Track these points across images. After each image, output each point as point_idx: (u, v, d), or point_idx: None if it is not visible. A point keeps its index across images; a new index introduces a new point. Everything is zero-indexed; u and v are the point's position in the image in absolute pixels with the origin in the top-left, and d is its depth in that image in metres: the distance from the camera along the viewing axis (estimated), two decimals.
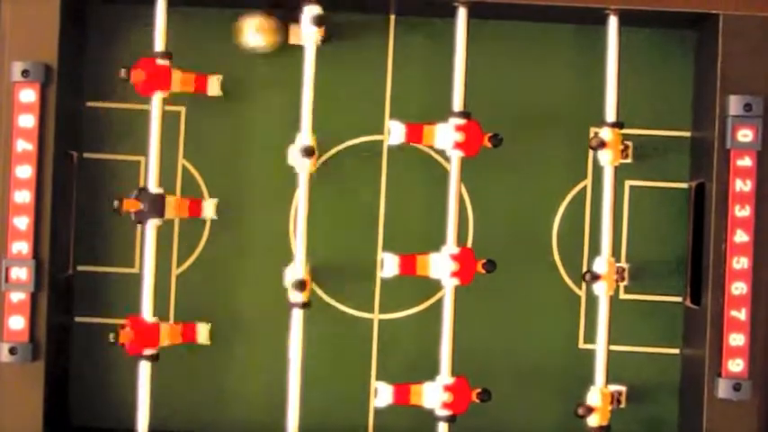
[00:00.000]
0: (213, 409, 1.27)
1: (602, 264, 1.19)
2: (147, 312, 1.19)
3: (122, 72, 1.19)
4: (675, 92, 1.26)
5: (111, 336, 1.17)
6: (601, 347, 1.19)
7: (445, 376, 1.18)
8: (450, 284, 1.19)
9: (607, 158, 1.19)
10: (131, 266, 1.27)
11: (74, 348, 1.27)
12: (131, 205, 1.18)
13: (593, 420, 1.18)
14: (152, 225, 1.19)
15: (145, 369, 1.19)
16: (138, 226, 1.24)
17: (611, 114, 1.20)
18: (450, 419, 1.18)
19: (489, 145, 1.19)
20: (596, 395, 1.18)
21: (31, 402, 1.18)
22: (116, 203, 1.18)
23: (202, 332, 1.25)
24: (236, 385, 1.27)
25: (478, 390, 1.18)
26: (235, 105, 1.27)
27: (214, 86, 1.25)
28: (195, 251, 1.27)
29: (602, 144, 1.18)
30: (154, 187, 1.20)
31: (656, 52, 1.26)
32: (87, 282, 1.27)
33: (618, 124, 1.19)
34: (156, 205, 1.19)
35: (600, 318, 1.19)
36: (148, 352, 1.19)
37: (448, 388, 1.18)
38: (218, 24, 1.27)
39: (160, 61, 1.19)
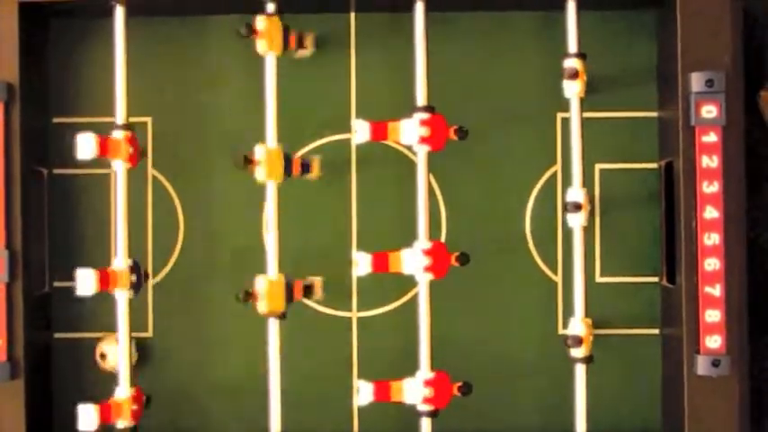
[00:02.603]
0: (195, 415, 1.26)
1: (576, 193, 1.19)
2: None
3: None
4: (640, 73, 1.26)
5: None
6: (578, 277, 1.19)
7: (425, 371, 1.18)
8: (423, 279, 1.19)
9: (575, 90, 1.19)
10: None
11: (55, 365, 1.27)
12: None
13: (579, 352, 1.18)
14: None
15: None
16: (113, 236, 1.25)
17: (573, 45, 1.19)
18: (432, 414, 1.18)
19: (455, 137, 1.18)
20: (579, 325, 1.18)
21: (13, 421, 1.18)
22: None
23: None
24: (218, 392, 1.27)
25: (459, 383, 1.18)
26: (201, 112, 1.27)
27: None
28: (170, 260, 1.27)
29: (576, 74, 1.18)
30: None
31: (618, 35, 1.26)
32: (65, 298, 1.27)
33: (581, 55, 1.19)
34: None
35: (575, 243, 1.19)
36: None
37: (428, 383, 1.18)
38: (183, 33, 1.27)
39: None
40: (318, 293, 1.24)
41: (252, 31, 1.19)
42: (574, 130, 1.19)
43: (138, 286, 1.21)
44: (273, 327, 1.19)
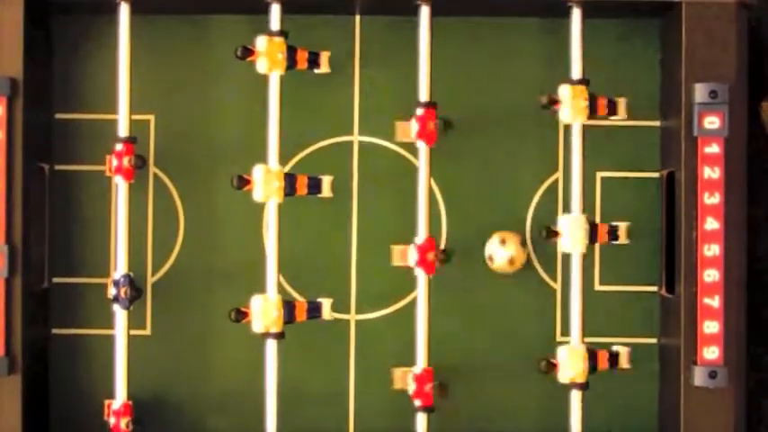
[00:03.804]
0: (192, 414, 1.27)
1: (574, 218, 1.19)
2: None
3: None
4: (643, 82, 1.26)
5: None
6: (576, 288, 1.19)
7: (419, 366, 1.19)
8: (421, 274, 1.20)
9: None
10: (107, 276, 1.26)
11: (52, 360, 1.27)
12: None
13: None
14: None
15: None
16: (113, 233, 1.25)
17: (576, 72, 1.20)
18: (422, 410, 1.18)
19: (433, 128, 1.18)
20: (565, 352, 1.19)
21: (10, 415, 1.18)
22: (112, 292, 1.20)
23: None
24: (214, 392, 1.27)
25: (435, 382, 1.18)
26: (203, 110, 1.27)
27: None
28: (170, 258, 1.27)
29: (554, 102, 1.18)
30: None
31: (622, 43, 1.26)
32: (64, 293, 1.27)
33: (585, 81, 1.19)
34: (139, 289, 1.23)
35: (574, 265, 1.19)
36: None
37: (416, 378, 1.18)
38: (188, 32, 1.27)
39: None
40: (327, 314, 1.23)
41: (249, 52, 1.18)
42: (576, 160, 1.19)
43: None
44: (271, 347, 1.19)
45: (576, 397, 1.18)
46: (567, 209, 1.23)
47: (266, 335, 1.19)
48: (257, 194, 1.19)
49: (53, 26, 1.27)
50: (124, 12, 1.21)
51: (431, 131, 1.19)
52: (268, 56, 1.19)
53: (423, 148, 1.20)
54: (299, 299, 1.26)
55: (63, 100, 1.27)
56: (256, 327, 1.18)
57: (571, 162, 1.20)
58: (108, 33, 1.24)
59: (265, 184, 1.19)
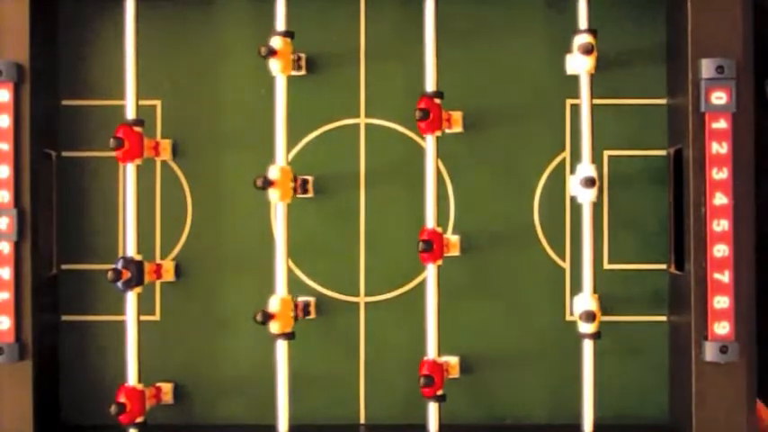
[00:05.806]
0: (202, 399, 1.27)
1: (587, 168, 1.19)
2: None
3: None
4: (649, 60, 1.26)
5: (113, 409, 1.17)
6: (587, 255, 1.19)
7: (431, 355, 1.19)
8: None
9: (586, 66, 1.18)
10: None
11: (62, 347, 1.27)
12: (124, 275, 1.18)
13: (588, 328, 1.18)
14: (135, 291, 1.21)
15: None
16: (120, 219, 1.25)
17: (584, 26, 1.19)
18: (433, 399, 1.18)
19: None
20: (589, 300, 1.18)
21: (21, 402, 1.18)
22: (110, 275, 1.17)
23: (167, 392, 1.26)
24: (224, 377, 1.27)
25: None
26: (210, 95, 1.27)
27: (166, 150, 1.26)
28: (178, 244, 1.27)
29: (591, 50, 1.17)
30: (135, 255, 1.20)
31: (628, 20, 1.26)
32: (73, 280, 1.27)
33: (592, 31, 1.19)
34: (140, 272, 1.20)
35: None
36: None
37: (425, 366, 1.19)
38: (194, 18, 1.27)
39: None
40: (312, 314, 1.25)
41: (272, 51, 1.18)
42: (584, 111, 1.19)
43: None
44: (283, 348, 1.19)
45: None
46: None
47: (280, 335, 1.19)
48: (275, 196, 1.19)
49: (59, 11, 1.27)
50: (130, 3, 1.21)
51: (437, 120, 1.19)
52: (283, 56, 1.19)
53: (430, 136, 1.20)
54: (308, 282, 1.26)
55: (69, 86, 1.27)
56: (273, 328, 1.18)
57: (579, 140, 1.20)
58: (114, 19, 1.24)
59: (284, 185, 1.19)
